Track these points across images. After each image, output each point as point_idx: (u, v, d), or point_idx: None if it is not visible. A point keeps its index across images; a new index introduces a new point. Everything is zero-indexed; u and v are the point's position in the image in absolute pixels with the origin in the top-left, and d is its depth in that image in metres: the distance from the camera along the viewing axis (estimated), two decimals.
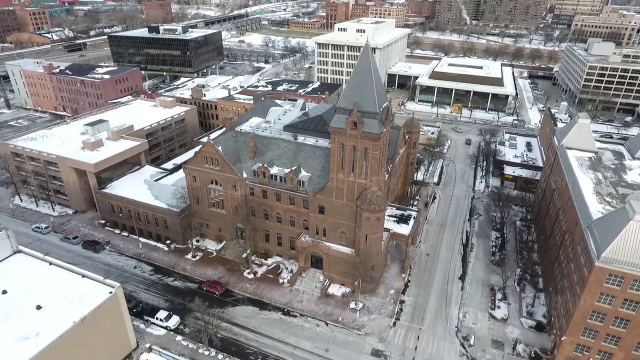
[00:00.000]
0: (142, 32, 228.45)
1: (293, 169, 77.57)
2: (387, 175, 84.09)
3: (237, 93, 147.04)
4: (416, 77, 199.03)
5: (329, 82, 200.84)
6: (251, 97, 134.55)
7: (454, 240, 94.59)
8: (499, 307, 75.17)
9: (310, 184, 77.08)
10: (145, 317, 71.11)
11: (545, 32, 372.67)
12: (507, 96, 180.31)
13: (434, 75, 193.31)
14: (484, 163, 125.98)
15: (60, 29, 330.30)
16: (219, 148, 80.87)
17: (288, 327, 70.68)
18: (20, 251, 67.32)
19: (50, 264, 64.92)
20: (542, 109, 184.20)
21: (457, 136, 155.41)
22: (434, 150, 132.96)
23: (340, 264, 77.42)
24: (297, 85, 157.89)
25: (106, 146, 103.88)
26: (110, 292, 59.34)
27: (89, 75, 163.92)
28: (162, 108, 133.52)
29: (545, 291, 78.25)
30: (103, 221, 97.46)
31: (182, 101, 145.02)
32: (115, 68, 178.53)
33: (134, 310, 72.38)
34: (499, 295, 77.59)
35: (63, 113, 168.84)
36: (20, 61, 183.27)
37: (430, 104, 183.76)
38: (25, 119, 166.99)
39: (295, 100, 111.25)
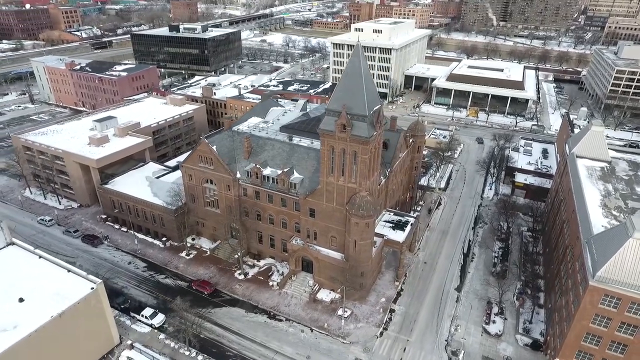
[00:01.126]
0: (163, 31, 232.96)
1: (285, 170, 76.37)
2: (383, 180, 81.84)
3: (247, 92, 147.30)
4: (433, 79, 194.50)
5: None
6: (260, 97, 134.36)
7: (455, 249, 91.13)
8: (494, 322, 71.64)
9: (302, 186, 75.71)
10: (132, 314, 71.48)
11: (577, 34, 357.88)
12: (527, 100, 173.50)
13: (452, 77, 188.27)
14: (495, 169, 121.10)
15: (89, 27, 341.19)
16: (214, 147, 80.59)
17: (272, 331, 69.54)
18: (13, 243, 68.83)
19: (40, 257, 66.06)
20: (564, 114, 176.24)
21: (470, 140, 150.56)
22: (444, 154, 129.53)
23: (330, 269, 75.70)
24: (308, 85, 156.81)
25: (112, 142, 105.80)
26: (92, 288, 59.75)
27: (107, 72, 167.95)
28: (172, 106, 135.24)
29: (545, 307, 74.11)
30: (104, 216, 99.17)
31: (193, 99, 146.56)
32: (133, 66, 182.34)
33: (122, 306, 73.09)
34: (495, 309, 73.96)
35: (82, 109, 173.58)
36: (44, 58, 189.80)
37: (446, 107, 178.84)
38: (47, 114, 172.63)
39: (307, 101, 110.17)
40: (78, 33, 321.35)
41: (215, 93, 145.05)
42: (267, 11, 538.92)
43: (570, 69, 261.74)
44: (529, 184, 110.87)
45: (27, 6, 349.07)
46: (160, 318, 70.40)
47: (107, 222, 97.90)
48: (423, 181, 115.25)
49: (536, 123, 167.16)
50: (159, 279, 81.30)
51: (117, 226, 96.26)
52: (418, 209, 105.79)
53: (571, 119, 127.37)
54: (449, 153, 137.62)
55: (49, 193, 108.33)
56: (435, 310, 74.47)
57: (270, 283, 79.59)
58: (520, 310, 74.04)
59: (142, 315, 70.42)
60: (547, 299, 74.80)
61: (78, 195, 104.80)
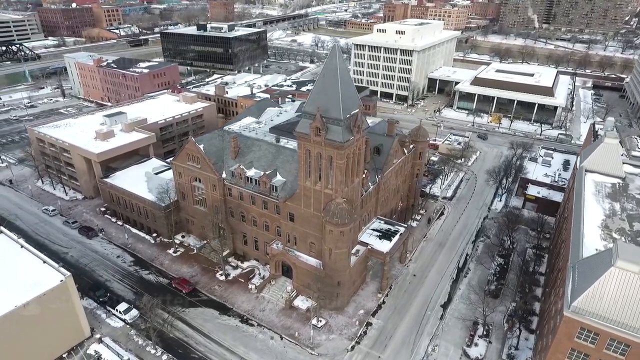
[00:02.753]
0: (191, 30, 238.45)
1: (267, 172, 74.88)
2: (371, 187, 78.55)
3: (259, 92, 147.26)
4: (458, 83, 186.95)
5: (363, 84, 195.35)
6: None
7: (449, 263, 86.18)
8: (476, 345, 66.74)
9: (284, 189, 73.88)
10: (108, 308, 72.37)
11: (626, 38, 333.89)
12: (555, 107, 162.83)
13: (476, 81, 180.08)
14: (506, 180, 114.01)
15: (128, 25, 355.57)
16: (201, 146, 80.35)
17: (242, 335, 68.18)
18: (1, 232, 71.37)
19: (22, 246, 68.06)
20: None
21: (488, 148, 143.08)
22: (454, 161, 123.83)
23: (307, 276, 73.37)
24: None
25: (117, 137, 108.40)
26: (61, 280, 60.72)
27: (130, 69, 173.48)
28: (184, 103, 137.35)
29: (536, 334, 68.23)
30: (104, 209, 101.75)
31: (206, 97, 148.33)
32: (156, 63, 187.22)
33: (101, 299, 74.19)
34: (480, 331, 68.94)
35: (107, 103, 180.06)
36: (76, 54, 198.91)
37: (467, 112, 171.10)
38: (74, 108, 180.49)
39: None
40: (117, 31, 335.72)
41: (227, 92, 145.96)
42: (303, 11, 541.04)
43: (613, 75, 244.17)
44: (541, 197, 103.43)
45: (73, 5, 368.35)
46: (134, 314, 70.79)
47: (106, 215, 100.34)
48: (430, 189, 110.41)
49: (564, 132, 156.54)
50: (142, 274, 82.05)
51: (114, 219, 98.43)
52: (418, 217, 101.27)
53: (596, 129, 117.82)
54: (462, 160, 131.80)
55: (58, 184, 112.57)
56: (415, 327, 70.41)
57: (250, 286, 78.31)
58: (508, 335, 68.60)
59: (117, 310, 71.09)
60: (539, 325, 68.88)
61: (83, 188, 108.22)
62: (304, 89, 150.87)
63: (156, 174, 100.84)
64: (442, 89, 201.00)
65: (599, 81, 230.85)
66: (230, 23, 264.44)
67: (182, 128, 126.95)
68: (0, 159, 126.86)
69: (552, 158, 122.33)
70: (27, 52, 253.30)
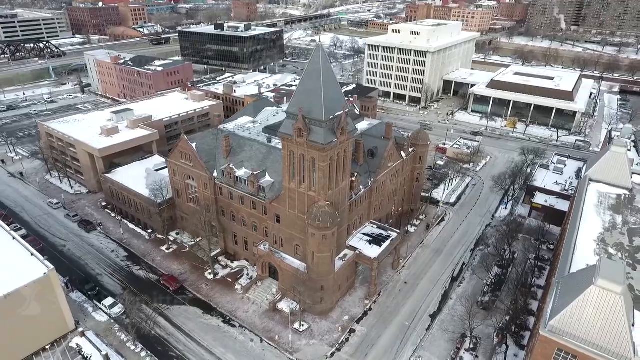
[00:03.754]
0: (208, 29, 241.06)
1: (255, 173, 74.24)
2: (362, 190, 76.75)
3: (267, 91, 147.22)
4: (473, 86, 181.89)
5: (377, 85, 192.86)
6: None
7: (444, 272, 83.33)
8: (461, 359, 64.00)
9: (272, 190, 72.99)
10: (95, 302, 73.32)
11: None
12: (574, 113, 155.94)
13: (492, 84, 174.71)
14: (514, 187, 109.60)
15: (152, 24, 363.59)
16: (194, 144, 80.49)
17: (222, 336, 67.70)
18: None
19: (14, 238, 69.68)
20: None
21: (500, 153, 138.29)
22: (462, 166, 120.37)
23: (292, 279, 72.16)
24: None
25: (121, 133, 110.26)
26: (45, 273, 61.74)
27: (145, 66, 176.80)
28: (192, 101, 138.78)
29: (526, 350, 64.86)
30: (105, 203, 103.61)
31: (215, 96, 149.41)
32: (171, 61, 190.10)
33: (89, 292, 75.25)
34: (467, 344, 66.12)
35: (123, 100, 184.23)
36: (95, 52, 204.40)
37: (480, 116, 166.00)
38: (92, 104, 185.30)
39: None
40: (141, 30, 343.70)
41: (235, 91, 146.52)
42: (325, 12, 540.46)
43: None
44: (548, 206, 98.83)
45: (100, 4, 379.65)
46: (119, 309, 71.42)
47: (106, 210, 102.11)
48: (430, 193, 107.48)
49: (582, 139, 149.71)
50: (133, 270, 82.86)
51: (113, 215, 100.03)
52: (417, 223, 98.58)
53: (613, 136, 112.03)
54: (471, 165, 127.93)
55: (65, 178, 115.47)
56: (399, 336, 68.19)
57: (236, 286, 77.83)
58: (497, 349, 65.51)
59: (103, 304, 71.91)
60: (529, 341, 65.47)
61: (87, 182, 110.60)
62: None
63: (156, 170, 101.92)
64: (457, 91, 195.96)
65: (627, 86, 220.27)
66: (246, 23, 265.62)
67: (187, 126, 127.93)
68: (14, 152, 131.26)
69: (565, 165, 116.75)
70: (54, 49, 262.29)
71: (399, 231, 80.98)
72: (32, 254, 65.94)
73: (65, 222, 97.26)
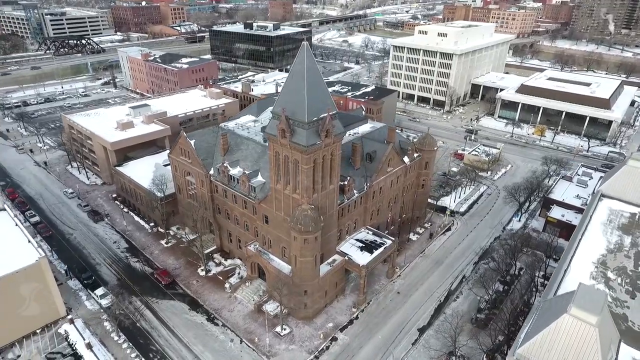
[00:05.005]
0: (238, 28, 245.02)
1: (247, 172, 73.89)
2: (356, 194, 74.61)
3: None
4: (502, 90, 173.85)
5: (401, 87, 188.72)
6: None
7: (442, 284, 79.58)
8: None
9: (263, 190, 72.28)
10: (88, 290, 75.51)
11: None
12: (610, 122, 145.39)
13: (522, 89, 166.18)
14: (530, 199, 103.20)
15: (189, 23, 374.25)
16: (192, 142, 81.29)
17: (204, 334, 67.76)
18: (4, 209, 77.16)
19: (16, 225, 72.98)
20: None
21: (523, 163, 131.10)
22: (476, 174, 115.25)
23: (277, 281, 71.17)
24: (349, 87, 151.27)
25: (136, 128, 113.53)
26: (37, 260, 64.11)
27: (172, 64, 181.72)
28: (209, 98, 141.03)
29: None
30: (115, 195, 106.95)
31: (234, 94, 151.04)
32: (197, 59, 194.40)
33: (85, 281, 77.64)
34: None
35: (149, 95, 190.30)
36: (128, 48, 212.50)
37: (505, 122, 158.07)
38: (121, 98, 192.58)
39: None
40: (178, 28, 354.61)
41: (252, 89, 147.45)
42: (361, 12, 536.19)
43: None
44: (564, 220, 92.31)
45: (143, 3, 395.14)
46: (109, 299, 73.09)
47: (116, 202, 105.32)
48: (437, 201, 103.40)
49: (617, 150, 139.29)
50: (131, 261, 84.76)
51: (121, 206, 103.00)
52: (420, 231, 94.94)
53: None
54: (489, 173, 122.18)
55: (83, 169, 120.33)
56: (382, 349, 65.58)
57: (226, 285, 77.81)
58: None
59: (95, 294, 73.93)
60: None
61: (102, 174, 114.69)
62: (330, 89, 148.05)
63: (165, 165, 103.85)
64: (484, 95, 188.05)
65: None
66: (275, 22, 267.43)
67: (202, 123, 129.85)
68: (43, 142, 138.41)
69: (591, 178, 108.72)
70: (94, 45, 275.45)
71: (393, 239, 78.04)
72: (29, 241, 68.70)
73: (76, 211, 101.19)
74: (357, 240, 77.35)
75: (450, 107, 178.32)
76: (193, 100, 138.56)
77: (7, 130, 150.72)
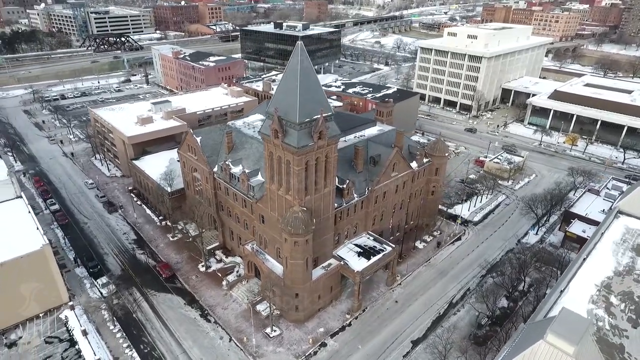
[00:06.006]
0: (268, 28, 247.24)
1: (247, 171, 73.94)
2: (356, 198, 72.98)
3: None
4: (534, 96, 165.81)
5: (427, 90, 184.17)
6: None
7: (443, 295, 76.42)
8: None
9: (261, 190, 71.99)
10: (93, 279, 78.06)
11: None
12: None
13: (555, 95, 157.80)
14: (549, 211, 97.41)
15: (224, 22, 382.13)
16: (198, 139, 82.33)
17: (195, 329, 68.33)
18: (20, 197, 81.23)
19: (29, 212, 76.59)
20: None
21: (548, 172, 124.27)
22: (497, 182, 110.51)
23: (270, 282, 70.73)
24: (369, 89, 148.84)
25: (154, 123, 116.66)
26: (41, 247, 66.88)
27: (200, 62, 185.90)
28: (230, 97, 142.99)
29: None
30: (131, 188, 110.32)
31: (255, 93, 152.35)
32: (224, 58, 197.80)
33: (91, 269, 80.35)
34: None
35: (177, 91, 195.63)
36: (160, 46, 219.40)
37: (534, 129, 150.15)
38: (152, 94, 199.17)
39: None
40: (214, 27, 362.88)
41: (273, 88, 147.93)
42: (397, 13, 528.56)
43: None
44: (585, 237, 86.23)
45: (182, 2, 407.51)
46: (110, 288, 75.27)
47: (131, 194, 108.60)
48: (448, 209, 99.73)
49: None
50: (137, 253, 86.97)
51: (135, 198, 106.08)
52: (428, 239, 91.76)
53: None
54: (510, 182, 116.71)
55: (105, 161, 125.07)
56: (372, 358, 63.63)
57: (223, 282, 78.23)
58: None
59: (97, 282, 76.33)
60: None
61: (122, 166, 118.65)
62: (350, 90, 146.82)
63: (178, 161, 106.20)
64: (515, 101, 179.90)
65: None
66: (305, 22, 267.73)
67: (220, 120, 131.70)
68: (73, 133, 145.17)
69: (621, 192, 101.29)
70: (132, 43, 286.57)
71: (393, 246, 75.66)
72: (37, 228, 71.82)
73: (93, 202, 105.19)
74: (355, 245, 75.64)
75: (477, 111, 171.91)
76: (214, 98, 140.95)
77: (43, 121, 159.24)
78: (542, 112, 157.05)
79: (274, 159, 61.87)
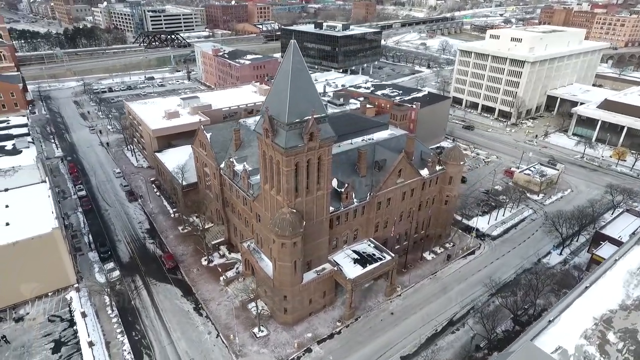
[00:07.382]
0: (307, 27, 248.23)
1: (249, 169, 74.07)
2: (356, 202, 70.86)
3: (332, 90, 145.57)
4: (581, 104, 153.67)
5: (464, 94, 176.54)
6: None
7: (444, 312, 72.29)
8: None
9: (260, 189, 71.83)
10: (102, 264, 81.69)
11: None
12: None
13: (605, 104, 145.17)
14: (578, 231, 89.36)
15: (271, 21, 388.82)
16: (209, 134, 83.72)
17: (186, 321, 69.39)
18: (45, 181, 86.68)
19: (49, 196, 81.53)
20: None
21: (586, 187, 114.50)
22: (524, 195, 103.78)
23: (262, 282, 70.46)
24: (399, 91, 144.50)
25: (180, 118, 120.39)
26: (51, 230, 70.86)
27: (237, 60, 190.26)
28: (258, 94, 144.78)
29: None
30: (153, 179, 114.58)
31: None
32: (260, 56, 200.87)
33: (102, 255, 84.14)
34: None
35: (214, 87, 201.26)
36: (203, 44, 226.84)
37: (577, 140, 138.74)
38: (191, 90, 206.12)
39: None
40: (260, 26, 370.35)
41: None
42: (449, 15, 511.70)
43: None
44: None
45: (233, 2, 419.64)
46: (115, 274, 78.43)
47: (153, 185, 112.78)
48: (462, 219, 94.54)
49: None
50: (147, 242, 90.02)
51: (155, 189, 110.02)
52: (439, 251, 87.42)
53: None
54: (540, 196, 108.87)
55: (134, 152, 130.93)
56: None
57: (221, 278, 78.96)
58: None
59: (104, 267, 79.77)
60: None
61: (148, 157, 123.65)
62: (379, 92, 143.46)
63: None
64: (560, 109, 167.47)
65: None
66: (345, 22, 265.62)
67: (245, 116, 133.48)
68: (112, 124, 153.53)
69: None
70: (181, 40, 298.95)
71: (393, 255, 72.56)
72: (52, 212, 76.17)
73: (117, 190, 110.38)
74: (354, 251, 73.44)
75: (516, 119, 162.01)
76: (242, 95, 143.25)
77: (88, 112, 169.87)
78: (589, 122, 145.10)
79: (266, 159, 61.36)
